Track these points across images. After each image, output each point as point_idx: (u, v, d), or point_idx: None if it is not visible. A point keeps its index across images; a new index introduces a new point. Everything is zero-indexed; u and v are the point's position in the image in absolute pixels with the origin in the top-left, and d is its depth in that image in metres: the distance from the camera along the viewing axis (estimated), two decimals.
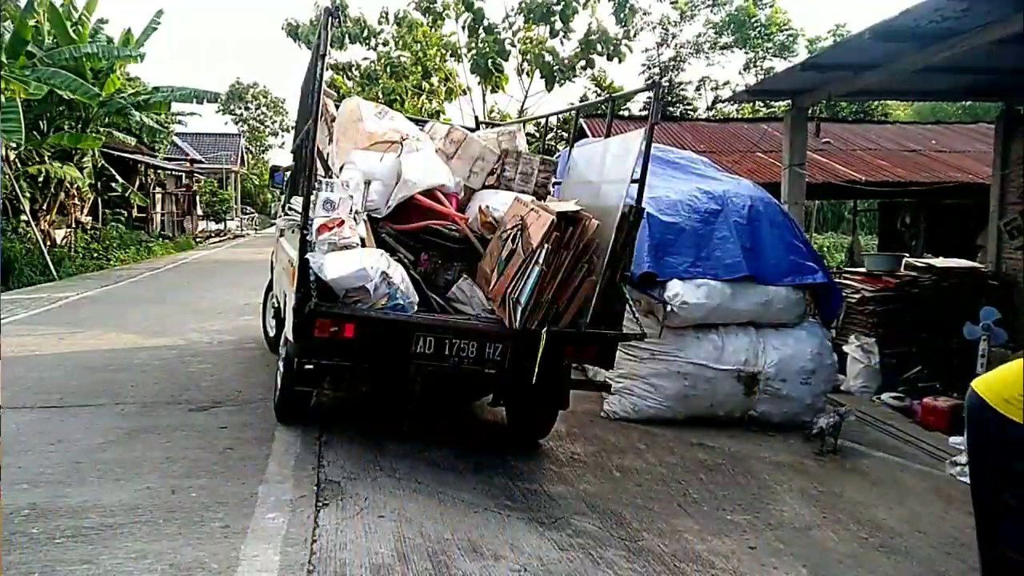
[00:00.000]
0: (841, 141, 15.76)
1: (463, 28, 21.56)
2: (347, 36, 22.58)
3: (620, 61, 21.38)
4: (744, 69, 31.69)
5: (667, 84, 31.80)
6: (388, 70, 22.71)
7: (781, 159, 9.89)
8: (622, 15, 21.28)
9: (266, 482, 4.17)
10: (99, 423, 5.26)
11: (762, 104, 26.26)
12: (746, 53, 31.28)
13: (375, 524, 3.73)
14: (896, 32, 6.48)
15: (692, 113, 31.71)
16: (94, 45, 17.55)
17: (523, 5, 20.99)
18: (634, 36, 22.18)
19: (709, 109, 32.46)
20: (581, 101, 22.74)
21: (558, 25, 20.95)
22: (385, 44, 23.79)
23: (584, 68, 21.72)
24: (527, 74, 22.80)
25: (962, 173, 13.66)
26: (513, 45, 21.34)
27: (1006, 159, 8.87)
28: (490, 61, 20.73)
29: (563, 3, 20.48)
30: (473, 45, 21.21)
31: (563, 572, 3.58)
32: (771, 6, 30.26)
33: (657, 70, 32.47)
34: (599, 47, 21.06)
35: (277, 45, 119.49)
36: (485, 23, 21.19)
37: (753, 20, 29.80)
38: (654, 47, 32.70)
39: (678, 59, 33.23)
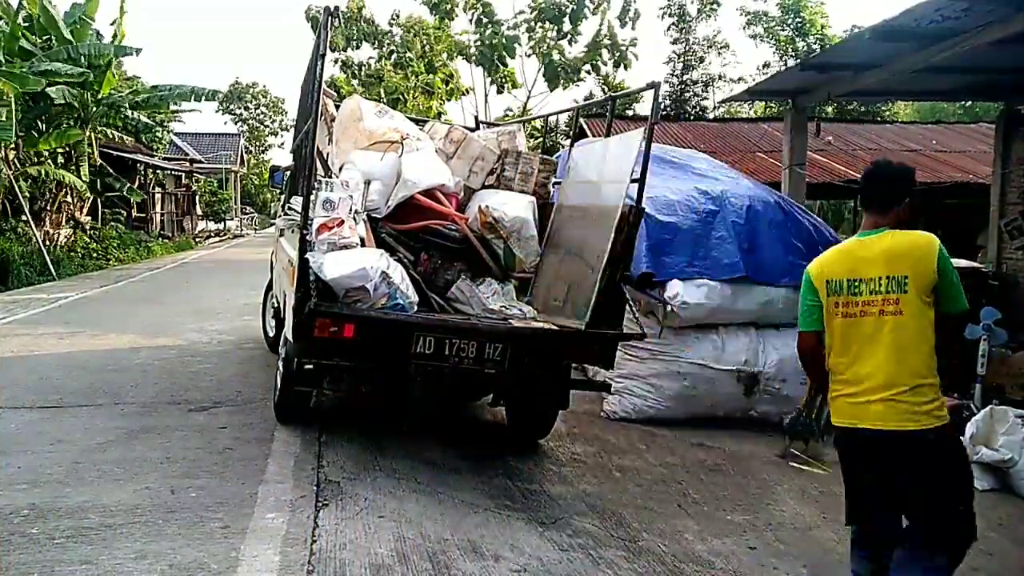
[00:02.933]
0: (841, 141, 15.76)
1: (471, 22, 21.53)
2: (362, 36, 22.63)
3: (627, 68, 21.38)
4: (764, 67, 31.37)
5: (686, 81, 31.72)
6: (393, 61, 22.72)
7: (781, 159, 9.89)
8: (626, 19, 21.26)
9: (266, 482, 4.17)
10: (99, 423, 5.26)
11: (772, 105, 26.17)
12: (772, 48, 30.93)
13: (375, 524, 3.73)
14: (896, 32, 6.48)
15: (703, 112, 31.52)
16: (90, 44, 17.55)
17: (536, 3, 20.96)
18: (667, 31, 21.83)
19: (715, 108, 32.33)
20: (585, 101, 22.69)
21: (567, 27, 20.92)
22: (392, 44, 23.85)
23: (589, 72, 21.68)
24: (528, 79, 22.79)
25: (962, 173, 13.66)
26: (519, 43, 21.30)
27: (1006, 159, 8.87)
28: (495, 54, 20.68)
29: (574, 4, 20.45)
30: (480, 36, 21.14)
31: (563, 572, 3.58)
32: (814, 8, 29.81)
33: (680, 66, 32.31)
34: (605, 53, 21.03)
35: (277, 45, 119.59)
36: (495, 17, 21.15)
37: (799, 13, 29.29)
38: (675, 41, 32.58)
39: (693, 54, 33.05)
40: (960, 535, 3.04)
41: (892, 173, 3.23)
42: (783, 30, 29.91)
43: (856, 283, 3.08)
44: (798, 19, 29.37)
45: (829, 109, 22.86)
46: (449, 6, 21.74)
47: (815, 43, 28.34)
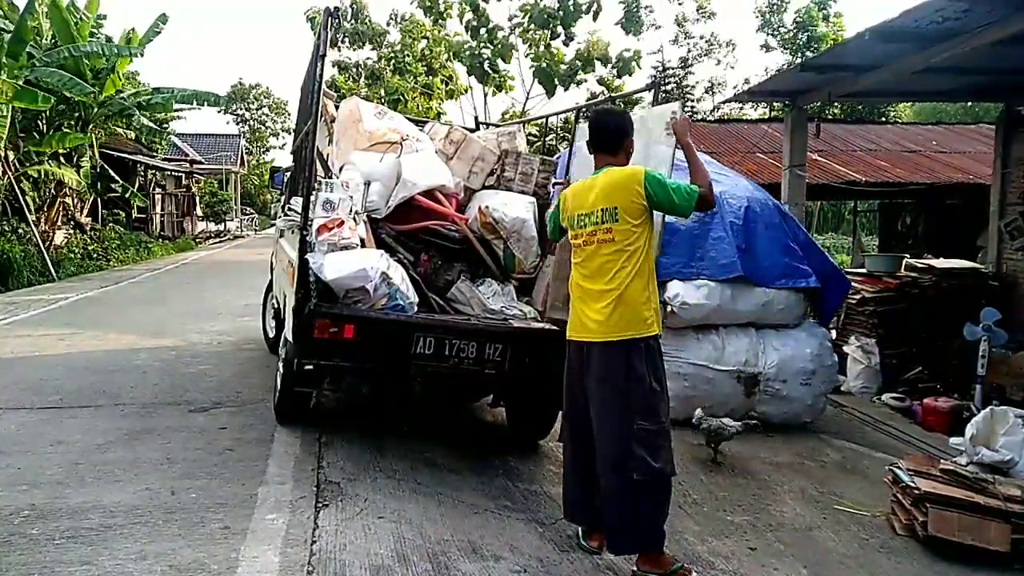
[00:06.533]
0: (841, 141, 15.74)
1: (466, 29, 21.52)
2: (359, 36, 22.65)
3: (629, 75, 21.36)
4: (777, 71, 31.46)
5: (673, 86, 31.67)
6: (392, 65, 22.73)
7: (781, 160, 9.89)
8: (630, 27, 21.21)
9: (266, 483, 4.17)
10: (99, 424, 5.26)
11: (773, 106, 26.15)
12: (785, 54, 31.01)
13: (375, 525, 3.73)
14: (896, 32, 6.48)
15: (697, 116, 31.56)
16: (94, 43, 17.52)
17: (525, 8, 20.94)
18: (639, 38, 22.11)
19: (715, 110, 32.34)
20: (585, 102, 22.72)
21: (559, 30, 20.90)
22: (390, 46, 23.88)
23: (585, 71, 21.64)
24: (525, 82, 22.80)
25: (962, 173, 13.64)
26: (515, 48, 21.28)
27: (1006, 160, 8.86)
28: (487, 63, 20.67)
29: (563, 9, 20.43)
30: (472, 46, 21.15)
31: (563, 573, 3.58)
32: (827, 19, 29.82)
33: (662, 72, 32.33)
34: (595, 60, 21.00)
35: (280, 45, 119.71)
36: (490, 25, 21.13)
37: (813, 25, 29.43)
38: (658, 50, 32.72)
39: (688, 59, 33.13)
40: None
41: (615, 121, 3.82)
42: (797, 38, 30.02)
43: (584, 216, 3.63)
44: (807, 33, 29.50)
45: (836, 110, 22.88)
46: (443, 7, 21.74)
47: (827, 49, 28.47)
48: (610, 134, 3.74)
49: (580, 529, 3.89)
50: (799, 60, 29.49)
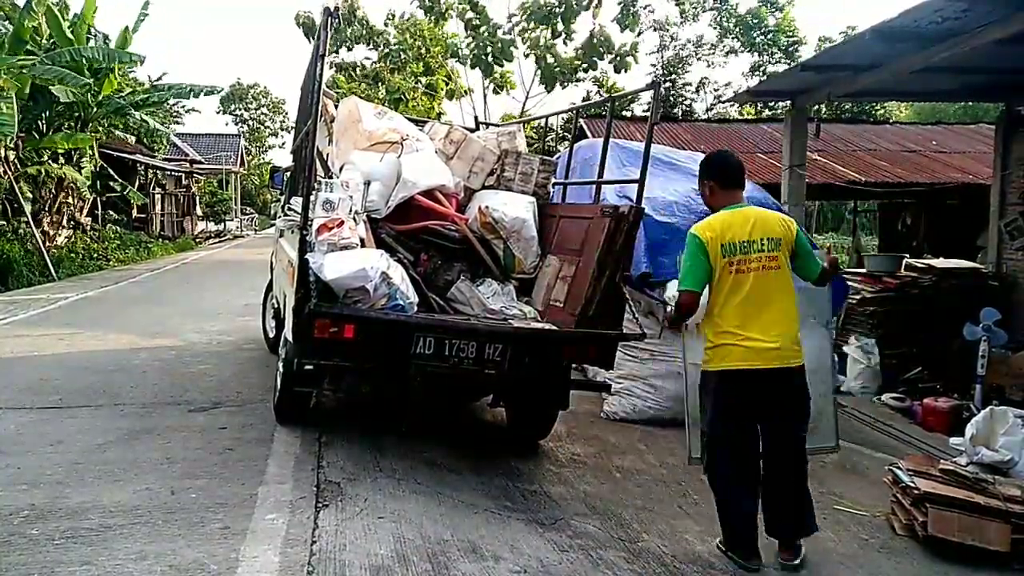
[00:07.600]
0: (841, 141, 15.74)
1: (465, 27, 21.51)
2: (354, 38, 22.64)
3: (626, 71, 21.33)
4: (750, 72, 31.57)
5: (670, 85, 31.66)
6: (389, 62, 22.70)
7: (781, 160, 9.88)
8: (626, 22, 21.20)
9: (266, 483, 4.17)
10: (99, 424, 5.26)
11: (766, 106, 26.18)
12: (752, 55, 31.23)
13: (375, 525, 3.73)
14: (896, 32, 6.47)
15: (691, 115, 31.60)
16: (92, 46, 17.51)
17: (525, 6, 20.94)
18: (639, 36, 22.10)
19: (708, 110, 32.40)
20: (583, 102, 22.71)
21: (559, 27, 20.89)
22: (387, 45, 23.85)
23: (586, 70, 21.62)
24: (526, 80, 22.79)
25: (962, 173, 13.64)
26: (515, 46, 21.27)
27: (1006, 160, 8.85)
28: (490, 56, 20.64)
29: (564, 5, 20.41)
30: (474, 40, 21.11)
31: (563, 573, 3.58)
32: (781, 10, 30.09)
33: (661, 72, 32.36)
34: (601, 52, 20.97)
35: (278, 46, 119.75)
36: (489, 22, 21.12)
37: (762, 24, 29.68)
38: (657, 49, 32.67)
39: (678, 60, 33.21)
40: None
41: (739, 159, 4.08)
42: (756, 37, 30.16)
43: (747, 244, 3.75)
44: (765, 29, 29.68)
45: (828, 112, 22.91)
46: (443, 8, 21.72)
47: (789, 44, 28.75)
48: (742, 171, 4.05)
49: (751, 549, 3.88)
50: (766, 59, 29.65)
